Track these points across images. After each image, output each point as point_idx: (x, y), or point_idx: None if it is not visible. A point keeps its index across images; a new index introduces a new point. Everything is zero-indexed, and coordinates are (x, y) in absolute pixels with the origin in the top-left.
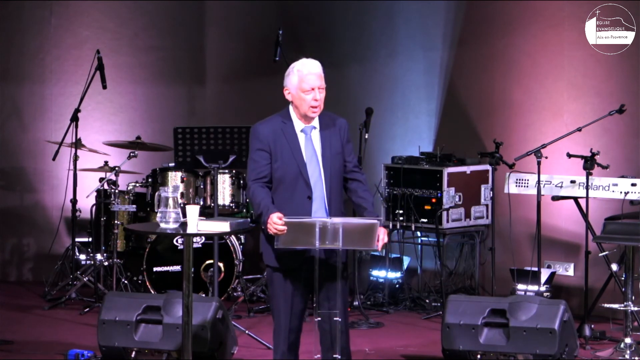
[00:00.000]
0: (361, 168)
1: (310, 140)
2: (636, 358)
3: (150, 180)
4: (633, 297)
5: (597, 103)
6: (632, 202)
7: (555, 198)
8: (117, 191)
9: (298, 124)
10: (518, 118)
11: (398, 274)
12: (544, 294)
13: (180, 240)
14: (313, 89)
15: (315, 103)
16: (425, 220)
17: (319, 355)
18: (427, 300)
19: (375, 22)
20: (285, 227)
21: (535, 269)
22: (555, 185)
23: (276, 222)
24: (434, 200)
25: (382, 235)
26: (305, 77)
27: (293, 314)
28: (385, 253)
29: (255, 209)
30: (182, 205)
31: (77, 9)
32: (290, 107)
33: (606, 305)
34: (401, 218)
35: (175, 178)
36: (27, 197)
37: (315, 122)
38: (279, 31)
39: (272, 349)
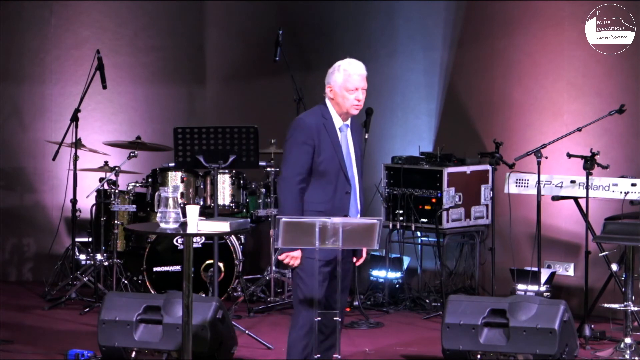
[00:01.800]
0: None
1: (345, 138)
2: (636, 358)
3: (150, 180)
4: (633, 297)
5: (597, 103)
6: (632, 202)
7: (555, 198)
8: (117, 191)
9: (337, 121)
10: (518, 118)
11: (398, 274)
12: (544, 294)
13: (180, 240)
14: (357, 89)
15: (358, 102)
16: (425, 220)
17: (319, 355)
18: (427, 300)
19: (375, 22)
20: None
21: (535, 269)
22: (555, 185)
23: (295, 256)
24: (434, 200)
25: (363, 254)
26: (350, 77)
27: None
28: (385, 253)
29: (287, 207)
30: (182, 205)
31: (77, 9)
32: (329, 104)
33: (606, 305)
34: (401, 218)
35: (175, 178)
36: (27, 197)
37: (349, 122)
38: (279, 31)
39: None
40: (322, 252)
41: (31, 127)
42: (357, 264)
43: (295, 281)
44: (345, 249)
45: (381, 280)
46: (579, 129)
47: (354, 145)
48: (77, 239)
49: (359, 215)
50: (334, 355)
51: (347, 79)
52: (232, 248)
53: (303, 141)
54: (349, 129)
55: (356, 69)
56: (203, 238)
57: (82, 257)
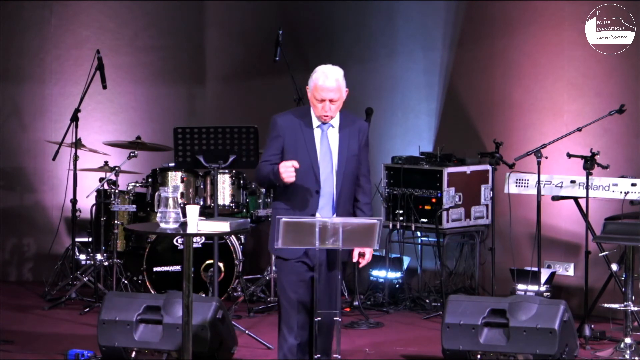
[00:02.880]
0: (369, 177)
1: (326, 137)
2: (636, 358)
3: (150, 180)
4: (633, 297)
5: (597, 103)
6: (632, 202)
7: (555, 198)
8: (117, 191)
9: (316, 120)
10: (518, 118)
11: (398, 274)
12: (544, 294)
13: (180, 240)
14: (324, 100)
15: (324, 113)
16: (425, 220)
17: (319, 355)
18: (427, 300)
19: (375, 22)
20: (293, 172)
21: (535, 269)
22: (555, 185)
23: (286, 165)
24: (434, 200)
25: (367, 256)
26: (317, 89)
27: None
28: (385, 253)
29: (264, 180)
30: (182, 205)
31: (77, 9)
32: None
33: (606, 305)
34: (401, 218)
35: (175, 178)
36: (27, 197)
37: (334, 121)
38: (279, 31)
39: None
40: (304, 257)
41: (31, 127)
42: (361, 265)
43: (279, 301)
44: (329, 255)
45: (381, 280)
46: (579, 129)
47: (346, 146)
48: (77, 239)
49: (334, 216)
50: (334, 355)
51: (315, 90)
52: (232, 248)
53: (273, 136)
54: (334, 129)
55: (325, 81)
56: (203, 238)
57: (82, 257)
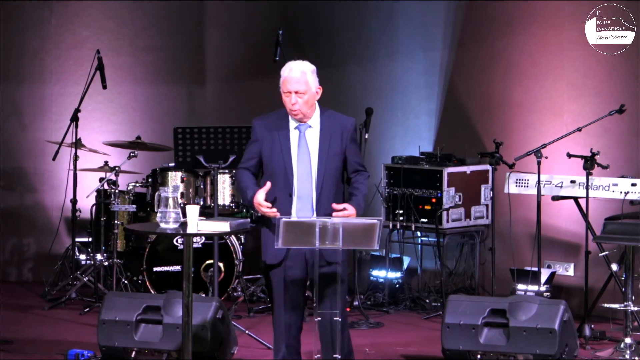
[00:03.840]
0: (365, 168)
1: (304, 139)
2: (636, 358)
3: (150, 180)
4: (633, 297)
5: (597, 103)
6: (632, 202)
7: (555, 198)
8: (117, 191)
9: (293, 122)
10: (518, 118)
11: (398, 274)
12: (544, 294)
13: (180, 240)
14: (290, 93)
15: (291, 107)
16: (425, 220)
17: (319, 356)
18: (427, 300)
19: (375, 22)
20: (272, 210)
21: (535, 269)
22: (555, 185)
23: (260, 203)
24: (434, 200)
25: (350, 211)
26: (284, 81)
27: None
28: (385, 253)
29: (241, 193)
30: (182, 205)
31: (77, 9)
32: None
33: (606, 305)
34: (401, 218)
35: (175, 178)
36: (27, 197)
37: (313, 121)
38: (279, 31)
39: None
40: (269, 255)
41: (31, 127)
42: (340, 214)
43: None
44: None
45: (381, 280)
46: (579, 129)
47: (327, 145)
48: (77, 239)
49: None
50: (334, 355)
51: (282, 84)
52: (232, 248)
53: (252, 140)
54: (313, 130)
55: (291, 72)
56: (203, 238)
57: (82, 257)
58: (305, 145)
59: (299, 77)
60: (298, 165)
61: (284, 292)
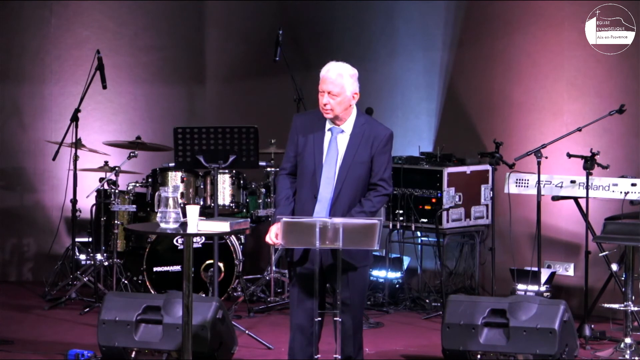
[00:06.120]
0: (387, 185)
1: (335, 142)
2: (636, 358)
3: (150, 180)
4: (633, 297)
5: (597, 103)
6: (632, 202)
7: (555, 198)
8: (117, 191)
9: (328, 123)
10: (518, 118)
11: (398, 274)
12: (544, 294)
13: (180, 240)
14: (324, 92)
15: (323, 106)
16: (425, 220)
17: (319, 356)
18: (427, 300)
19: (375, 22)
20: (277, 242)
21: (535, 269)
22: (555, 185)
23: (271, 236)
24: (434, 200)
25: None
26: (321, 79)
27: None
28: (385, 253)
29: (276, 199)
30: (182, 205)
31: (77, 9)
32: None
33: (606, 305)
34: (401, 218)
35: (175, 178)
36: (27, 197)
37: (346, 126)
38: (279, 31)
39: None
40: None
41: (31, 127)
42: None
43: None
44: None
45: (381, 280)
46: (579, 129)
47: (353, 152)
48: (77, 239)
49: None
50: (334, 355)
51: (320, 83)
52: (232, 248)
53: (290, 138)
54: (344, 134)
55: (327, 73)
56: (203, 238)
57: (82, 257)
58: (335, 149)
59: (334, 79)
60: (325, 168)
61: (300, 287)
